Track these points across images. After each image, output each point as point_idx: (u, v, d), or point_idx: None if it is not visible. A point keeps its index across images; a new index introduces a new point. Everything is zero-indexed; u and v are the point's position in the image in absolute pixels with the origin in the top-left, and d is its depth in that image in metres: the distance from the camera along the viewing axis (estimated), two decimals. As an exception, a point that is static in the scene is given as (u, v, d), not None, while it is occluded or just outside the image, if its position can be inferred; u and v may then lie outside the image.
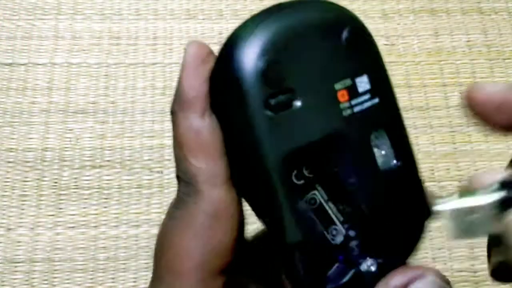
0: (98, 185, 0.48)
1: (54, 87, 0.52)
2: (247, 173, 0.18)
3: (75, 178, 0.48)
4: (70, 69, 0.52)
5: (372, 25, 0.55)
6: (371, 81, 0.18)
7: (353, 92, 0.17)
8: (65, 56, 0.53)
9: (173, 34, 0.54)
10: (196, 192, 0.18)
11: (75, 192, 0.48)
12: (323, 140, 0.17)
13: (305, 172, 0.18)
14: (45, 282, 0.45)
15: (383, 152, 0.18)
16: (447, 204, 0.15)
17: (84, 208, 0.47)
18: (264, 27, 0.17)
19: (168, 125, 0.51)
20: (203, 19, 0.55)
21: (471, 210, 0.14)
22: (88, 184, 0.48)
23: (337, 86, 0.17)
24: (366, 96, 0.18)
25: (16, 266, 0.45)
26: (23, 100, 0.51)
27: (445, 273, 0.51)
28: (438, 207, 0.15)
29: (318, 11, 0.18)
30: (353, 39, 0.18)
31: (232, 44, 0.17)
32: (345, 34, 0.17)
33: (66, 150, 0.49)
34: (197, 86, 0.17)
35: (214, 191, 0.18)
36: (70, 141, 0.50)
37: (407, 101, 0.52)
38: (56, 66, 0.52)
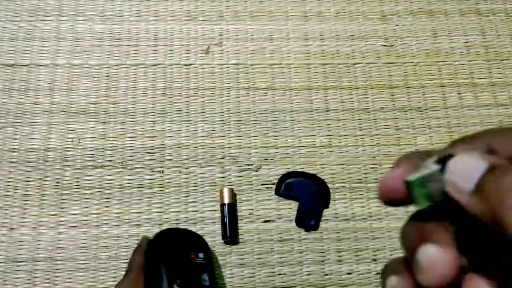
0: (100, 185, 0.48)
1: (56, 88, 0.52)
2: None
3: (77, 178, 0.49)
4: (72, 70, 0.53)
5: (371, 26, 0.56)
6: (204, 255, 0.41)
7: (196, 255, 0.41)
8: (67, 57, 0.53)
9: (173, 36, 0.55)
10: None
11: (77, 191, 0.48)
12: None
13: None
14: (47, 281, 0.45)
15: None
16: (410, 176, 0.18)
17: (86, 207, 0.48)
18: (159, 242, 0.41)
19: (169, 125, 0.51)
20: (204, 20, 0.56)
21: (426, 178, 0.18)
22: (90, 183, 0.48)
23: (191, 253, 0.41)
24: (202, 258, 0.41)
25: (18, 266, 0.46)
26: (25, 101, 0.51)
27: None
28: (408, 178, 0.18)
29: (182, 237, 0.43)
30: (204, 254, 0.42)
31: (149, 247, 0.41)
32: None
33: (68, 150, 0.50)
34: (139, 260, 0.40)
35: None
36: (72, 141, 0.50)
37: (405, 102, 0.52)
38: (58, 67, 0.53)
